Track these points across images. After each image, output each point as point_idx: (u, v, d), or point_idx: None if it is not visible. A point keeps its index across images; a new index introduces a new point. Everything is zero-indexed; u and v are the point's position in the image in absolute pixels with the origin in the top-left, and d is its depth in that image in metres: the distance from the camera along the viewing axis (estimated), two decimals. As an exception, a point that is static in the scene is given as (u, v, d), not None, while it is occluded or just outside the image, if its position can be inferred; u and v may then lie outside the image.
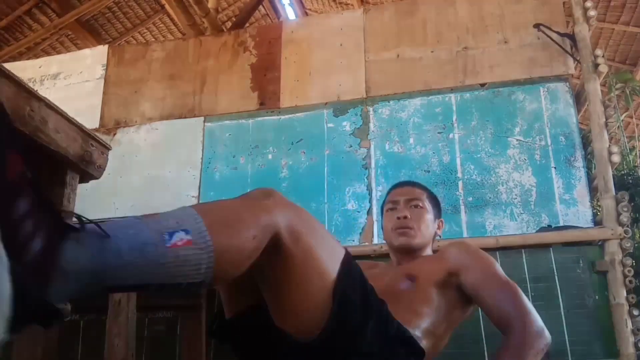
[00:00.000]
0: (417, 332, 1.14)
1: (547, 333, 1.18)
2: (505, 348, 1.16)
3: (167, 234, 0.66)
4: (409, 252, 1.43)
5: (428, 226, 1.45)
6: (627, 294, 2.17)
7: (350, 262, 0.92)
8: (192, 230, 0.68)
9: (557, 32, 2.63)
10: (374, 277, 1.15)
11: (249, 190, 0.91)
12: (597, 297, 2.20)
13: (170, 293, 0.67)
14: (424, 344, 1.13)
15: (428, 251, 1.48)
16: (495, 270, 1.28)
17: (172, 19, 5.74)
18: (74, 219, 0.64)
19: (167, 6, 4.99)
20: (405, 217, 1.42)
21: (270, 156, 2.86)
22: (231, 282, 0.97)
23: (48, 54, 5.51)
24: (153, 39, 5.90)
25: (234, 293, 0.98)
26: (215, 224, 0.71)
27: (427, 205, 1.47)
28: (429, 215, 1.46)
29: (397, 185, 1.57)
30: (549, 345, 1.17)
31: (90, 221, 0.63)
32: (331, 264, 0.88)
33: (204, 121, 3.04)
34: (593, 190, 2.40)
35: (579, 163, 2.44)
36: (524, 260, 2.29)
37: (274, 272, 0.83)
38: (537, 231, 2.38)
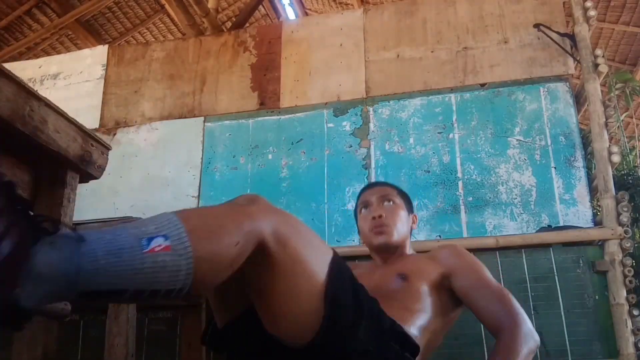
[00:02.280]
0: (412, 330, 1.15)
1: (536, 335, 1.21)
2: (497, 352, 1.18)
3: (145, 239, 0.66)
4: (389, 251, 1.44)
5: (403, 222, 1.47)
6: (627, 294, 2.17)
7: (338, 263, 0.92)
8: (171, 236, 0.67)
9: (557, 32, 2.63)
10: (362, 276, 1.16)
11: (248, 190, 0.91)
12: (597, 297, 2.20)
13: (148, 300, 0.69)
14: (418, 340, 1.14)
15: (408, 247, 1.49)
16: (485, 274, 1.31)
17: (172, 19, 5.74)
18: (48, 223, 0.64)
19: (167, 6, 4.99)
20: (380, 216, 1.43)
21: (270, 156, 2.86)
22: (220, 290, 0.96)
23: (48, 54, 5.51)
24: (153, 39, 5.90)
25: (223, 301, 0.97)
26: (196, 230, 0.70)
27: (399, 201, 1.49)
28: (403, 212, 1.48)
29: (367, 187, 1.58)
30: (538, 346, 1.20)
31: (66, 224, 0.63)
32: (320, 267, 0.87)
33: (204, 121, 3.04)
34: (593, 190, 2.40)
35: (579, 163, 2.44)
36: (524, 260, 2.29)
37: (263, 279, 0.82)
38: (537, 231, 2.37)
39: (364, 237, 1.51)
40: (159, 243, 0.65)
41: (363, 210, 1.50)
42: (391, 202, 1.46)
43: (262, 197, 0.85)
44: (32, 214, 0.62)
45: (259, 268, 0.80)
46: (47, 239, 0.61)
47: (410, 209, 1.52)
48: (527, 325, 1.21)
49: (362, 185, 2.68)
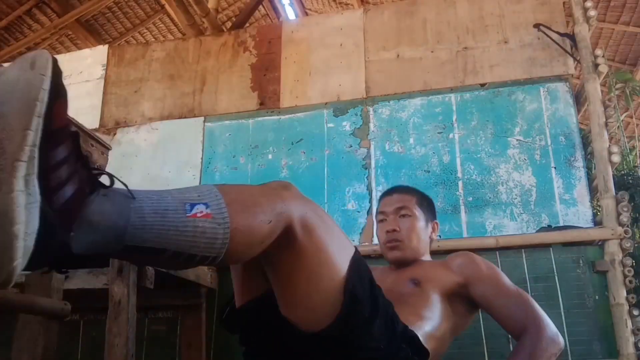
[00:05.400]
0: (420, 335, 1.15)
1: (560, 339, 1.23)
2: (519, 351, 1.19)
3: (188, 204, 0.69)
4: (403, 264, 1.44)
5: (419, 235, 1.45)
6: (627, 294, 2.17)
7: (360, 260, 0.93)
8: (211, 204, 0.71)
9: (557, 32, 2.63)
10: (376, 279, 1.17)
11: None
12: (597, 297, 2.20)
13: (183, 265, 0.73)
14: (426, 346, 1.14)
15: (426, 257, 1.49)
16: (504, 281, 1.32)
17: (172, 19, 5.74)
18: (105, 177, 0.68)
19: (167, 6, 5.00)
20: (394, 230, 1.42)
21: (270, 156, 2.86)
22: (242, 272, 0.99)
23: (48, 54, 5.50)
24: (153, 39, 5.90)
25: (246, 281, 0.99)
26: (234, 203, 0.73)
27: (417, 212, 1.47)
28: (420, 223, 1.46)
29: (387, 193, 1.56)
30: (562, 351, 1.22)
31: (121, 181, 0.67)
32: (342, 260, 0.88)
33: (204, 121, 3.04)
34: (593, 190, 2.40)
35: (579, 163, 2.44)
36: (524, 260, 2.29)
37: (284, 262, 0.84)
38: (537, 231, 2.37)
39: (380, 248, 1.51)
40: (200, 210, 0.69)
41: (380, 221, 1.49)
42: (407, 215, 1.44)
43: (294, 185, 0.88)
44: (91, 166, 0.65)
45: (283, 251, 0.82)
46: (102, 190, 0.64)
47: (430, 217, 1.50)
48: (551, 329, 1.22)
49: (362, 185, 2.70)
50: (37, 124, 0.57)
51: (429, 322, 1.22)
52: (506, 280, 1.32)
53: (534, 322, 1.22)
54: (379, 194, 2.59)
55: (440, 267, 1.37)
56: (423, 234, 1.46)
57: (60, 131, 0.61)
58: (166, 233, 0.67)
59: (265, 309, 0.94)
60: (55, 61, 0.62)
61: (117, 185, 0.71)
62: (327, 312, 0.85)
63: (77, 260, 0.64)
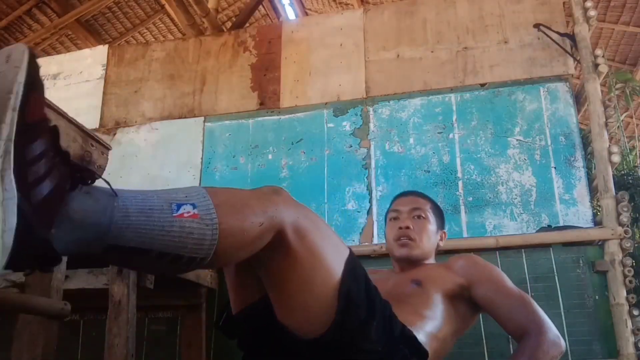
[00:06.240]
0: (420, 335, 1.15)
1: (562, 342, 1.22)
2: (520, 353, 1.19)
3: (175, 204, 0.68)
4: (410, 263, 1.45)
5: (430, 237, 1.47)
6: (627, 294, 2.16)
7: (354, 261, 0.92)
8: (199, 205, 0.69)
9: (557, 32, 2.63)
10: (377, 282, 1.16)
11: (249, 190, 0.92)
12: (597, 297, 2.20)
13: (169, 267, 0.70)
14: (427, 346, 1.14)
15: (431, 262, 1.50)
16: (506, 283, 1.32)
17: (172, 19, 5.74)
18: (88, 175, 0.66)
19: (167, 6, 5.00)
20: (407, 227, 1.44)
21: (270, 156, 2.86)
22: (238, 278, 0.98)
23: (48, 54, 5.51)
24: (153, 39, 5.90)
25: (241, 288, 0.98)
26: (223, 204, 0.72)
27: (430, 216, 1.50)
28: (431, 227, 1.49)
29: (402, 194, 1.60)
30: (562, 354, 1.21)
31: (103, 179, 0.65)
32: (336, 263, 0.87)
33: (204, 121, 3.04)
34: (593, 190, 2.40)
35: (579, 163, 2.44)
36: (524, 260, 2.29)
37: (279, 269, 0.83)
38: (537, 231, 2.37)
39: (388, 245, 1.52)
40: (187, 210, 0.67)
41: (392, 218, 1.51)
42: (421, 216, 1.47)
43: (285, 190, 0.87)
44: (72, 162, 0.63)
45: (276, 257, 0.81)
46: (83, 188, 0.63)
47: (440, 225, 1.53)
48: (553, 332, 1.22)
49: (362, 185, 2.70)
50: (11, 117, 0.55)
51: (430, 322, 1.22)
52: (508, 282, 1.33)
53: (536, 325, 1.22)
54: (379, 194, 2.60)
55: (442, 269, 1.39)
56: (433, 238, 1.49)
57: (36, 125, 0.59)
58: (151, 232, 0.65)
59: (261, 315, 0.93)
60: (32, 54, 0.60)
61: (99, 183, 0.70)
62: (324, 317, 0.84)
63: (60, 258, 0.62)
